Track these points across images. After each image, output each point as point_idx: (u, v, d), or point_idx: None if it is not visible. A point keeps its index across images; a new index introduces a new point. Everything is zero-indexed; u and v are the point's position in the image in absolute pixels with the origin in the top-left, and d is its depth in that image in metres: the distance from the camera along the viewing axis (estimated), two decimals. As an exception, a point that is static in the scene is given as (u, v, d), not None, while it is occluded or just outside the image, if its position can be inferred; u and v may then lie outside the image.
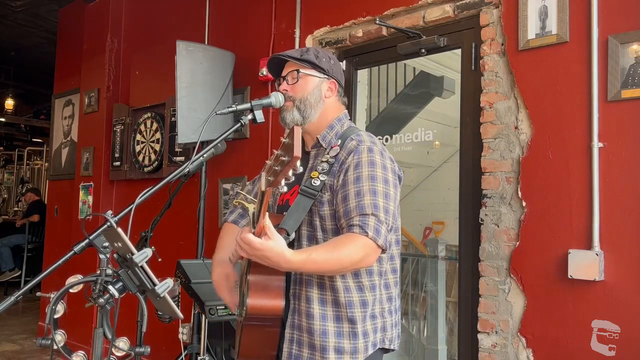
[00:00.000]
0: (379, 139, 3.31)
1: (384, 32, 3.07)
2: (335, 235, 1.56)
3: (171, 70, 3.50)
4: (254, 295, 1.50)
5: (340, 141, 1.65)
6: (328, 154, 1.64)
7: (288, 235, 1.54)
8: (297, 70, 1.68)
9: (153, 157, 4.34)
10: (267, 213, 1.37)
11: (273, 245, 1.38)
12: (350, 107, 3.28)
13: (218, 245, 1.79)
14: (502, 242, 2.49)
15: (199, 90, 3.45)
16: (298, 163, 1.22)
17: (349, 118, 1.78)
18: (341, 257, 1.47)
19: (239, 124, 1.66)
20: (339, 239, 1.51)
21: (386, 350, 1.68)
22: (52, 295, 1.55)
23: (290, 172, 1.24)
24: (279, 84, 1.74)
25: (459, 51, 2.83)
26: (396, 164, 1.66)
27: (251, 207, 1.48)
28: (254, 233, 1.40)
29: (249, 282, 1.50)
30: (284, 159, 1.25)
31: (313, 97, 1.68)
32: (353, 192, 1.53)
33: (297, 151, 1.20)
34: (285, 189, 1.31)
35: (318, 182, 1.59)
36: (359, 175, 1.55)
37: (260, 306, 1.50)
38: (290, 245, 1.54)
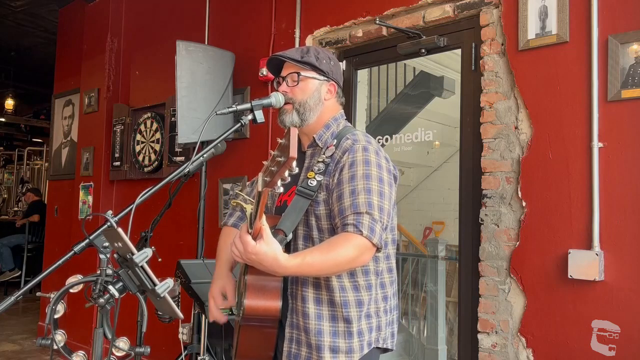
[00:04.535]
0: (379, 139, 3.33)
1: (384, 32, 3.08)
2: (331, 234, 1.56)
3: (171, 70, 3.50)
4: (252, 295, 1.50)
5: (336, 141, 1.66)
6: (324, 153, 1.64)
7: (285, 236, 1.54)
8: (298, 73, 1.68)
9: (153, 157, 4.34)
10: (264, 214, 1.37)
11: (267, 250, 1.38)
12: (350, 107, 3.28)
13: (218, 253, 1.79)
14: (502, 242, 2.49)
15: (199, 90, 3.45)
16: (294, 164, 1.22)
17: (345, 118, 1.78)
18: (336, 258, 1.46)
19: (239, 124, 1.66)
20: (333, 239, 1.51)
21: (384, 350, 1.67)
22: (52, 295, 1.55)
23: (287, 173, 1.24)
24: (279, 84, 1.74)
25: (459, 51, 2.83)
26: (392, 163, 1.66)
27: (249, 208, 1.48)
28: (250, 234, 1.40)
29: (247, 282, 1.50)
30: (280, 159, 1.25)
31: (312, 100, 1.68)
32: (348, 191, 1.53)
33: (293, 152, 1.20)
34: (281, 189, 1.30)
35: (314, 183, 1.59)
36: (353, 174, 1.55)
37: (257, 307, 1.50)
38: (287, 245, 1.54)
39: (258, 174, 1.38)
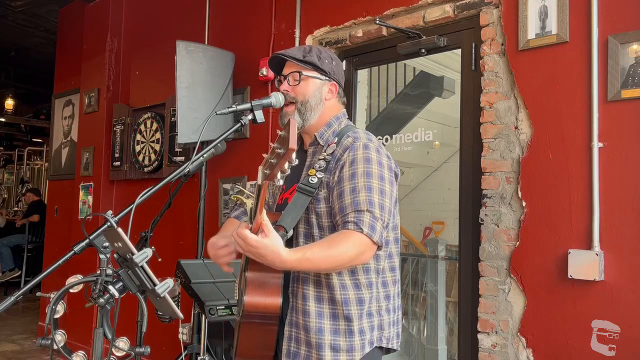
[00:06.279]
0: (379, 139, 3.33)
1: (384, 32, 3.07)
2: (332, 232, 1.56)
3: (171, 70, 3.50)
4: (252, 292, 1.50)
5: (337, 138, 1.66)
6: (325, 151, 1.65)
7: (286, 232, 1.54)
8: (299, 73, 1.68)
9: (153, 157, 4.34)
10: (264, 209, 1.37)
11: (268, 243, 1.38)
12: (350, 107, 3.28)
13: (217, 234, 1.80)
14: (502, 242, 2.49)
15: (199, 90, 3.45)
16: (294, 155, 1.22)
17: (347, 117, 1.78)
18: (337, 255, 1.46)
19: (239, 124, 1.66)
20: (334, 236, 1.51)
21: (387, 350, 1.67)
22: (52, 295, 1.55)
23: (287, 165, 1.24)
24: (280, 82, 1.74)
25: (459, 51, 2.83)
26: (393, 161, 1.66)
27: (249, 203, 1.47)
28: (251, 229, 1.40)
29: (247, 279, 1.50)
30: (279, 151, 1.24)
31: (314, 99, 1.68)
32: (348, 189, 1.53)
33: (293, 143, 1.20)
34: (281, 182, 1.30)
35: (315, 180, 1.59)
36: (354, 171, 1.55)
37: (257, 303, 1.50)
38: (288, 242, 1.54)
39: (258, 167, 1.37)
